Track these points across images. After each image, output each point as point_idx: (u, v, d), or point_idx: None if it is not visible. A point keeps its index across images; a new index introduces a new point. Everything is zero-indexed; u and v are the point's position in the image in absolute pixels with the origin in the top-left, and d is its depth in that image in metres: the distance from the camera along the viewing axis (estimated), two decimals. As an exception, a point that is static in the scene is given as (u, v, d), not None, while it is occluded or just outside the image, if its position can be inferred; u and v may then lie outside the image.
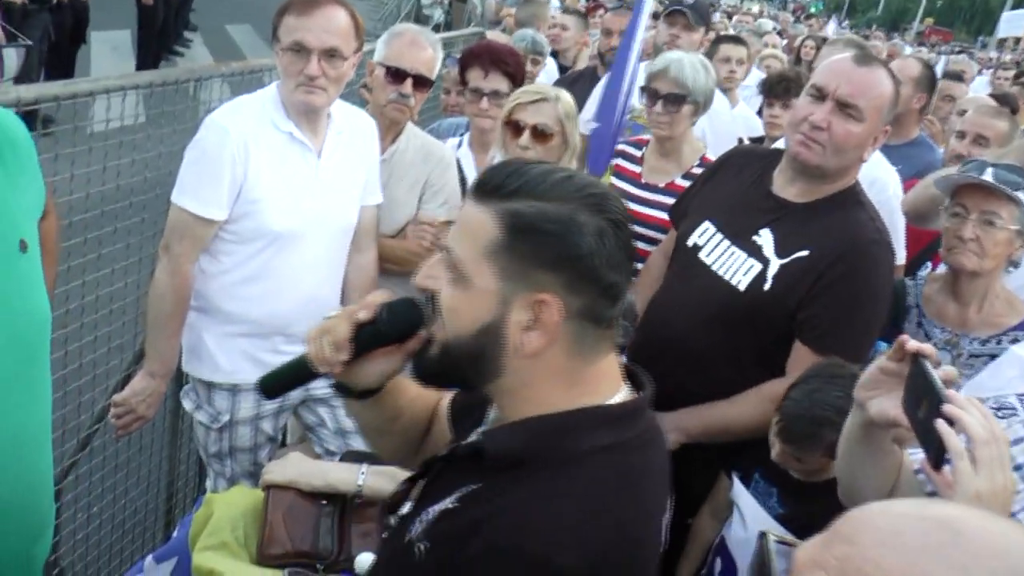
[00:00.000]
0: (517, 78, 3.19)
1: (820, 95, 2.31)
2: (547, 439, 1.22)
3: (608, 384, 1.29)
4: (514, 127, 2.87)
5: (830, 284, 2.28)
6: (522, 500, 1.17)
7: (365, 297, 2.61)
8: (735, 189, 2.54)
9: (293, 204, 2.54)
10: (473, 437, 1.34)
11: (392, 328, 1.35)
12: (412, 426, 1.57)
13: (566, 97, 2.90)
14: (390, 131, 2.98)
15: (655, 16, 4.45)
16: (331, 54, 2.43)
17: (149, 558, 2.23)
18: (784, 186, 2.44)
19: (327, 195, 2.61)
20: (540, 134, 2.83)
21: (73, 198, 2.70)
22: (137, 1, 10.61)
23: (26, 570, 1.64)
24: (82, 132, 2.85)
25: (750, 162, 2.60)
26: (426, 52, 2.89)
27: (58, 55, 8.82)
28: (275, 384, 1.48)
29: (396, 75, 2.85)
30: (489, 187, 1.21)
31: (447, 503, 1.24)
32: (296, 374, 1.45)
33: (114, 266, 3.02)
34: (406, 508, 1.35)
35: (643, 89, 3.13)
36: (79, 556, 3.22)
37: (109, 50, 10.75)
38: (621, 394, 1.29)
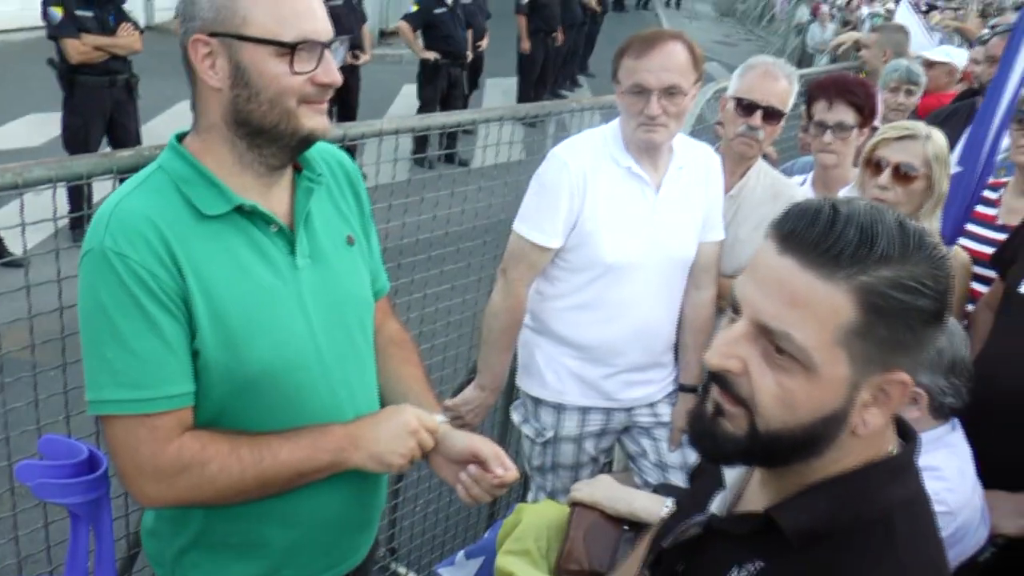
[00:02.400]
0: (865, 110, 2.97)
1: None
2: (850, 504, 1.08)
3: (889, 432, 1.15)
4: (875, 165, 2.65)
5: None
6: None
7: (702, 335, 2.69)
8: None
9: (628, 237, 2.56)
10: (715, 505, 1.24)
11: None
12: None
13: (938, 136, 2.60)
14: (739, 166, 2.90)
15: None
16: (670, 92, 2.42)
17: (461, 553, 2.37)
18: None
19: (663, 229, 2.60)
20: (903, 175, 2.54)
21: (421, 218, 2.95)
22: (518, 50, 11.54)
23: (364, 516, 1.86)
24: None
25: None
26: (779, 83, 2.78)
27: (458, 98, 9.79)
28: None
29: (746, 107, 2.78)
30: (833, 255, 0.99)
31: None
32: None
33: (454, 283, 3.26)
34: None
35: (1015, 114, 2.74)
36: (411, 540, 3.52)
37: (500, 93, 11.77)
38: (894, 441, 1.15)
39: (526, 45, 11.39)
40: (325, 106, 1.58)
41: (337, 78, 1.55)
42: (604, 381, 2.70)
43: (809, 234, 1.00)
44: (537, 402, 2.79)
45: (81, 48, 6.09)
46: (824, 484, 1.09)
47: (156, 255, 1.47)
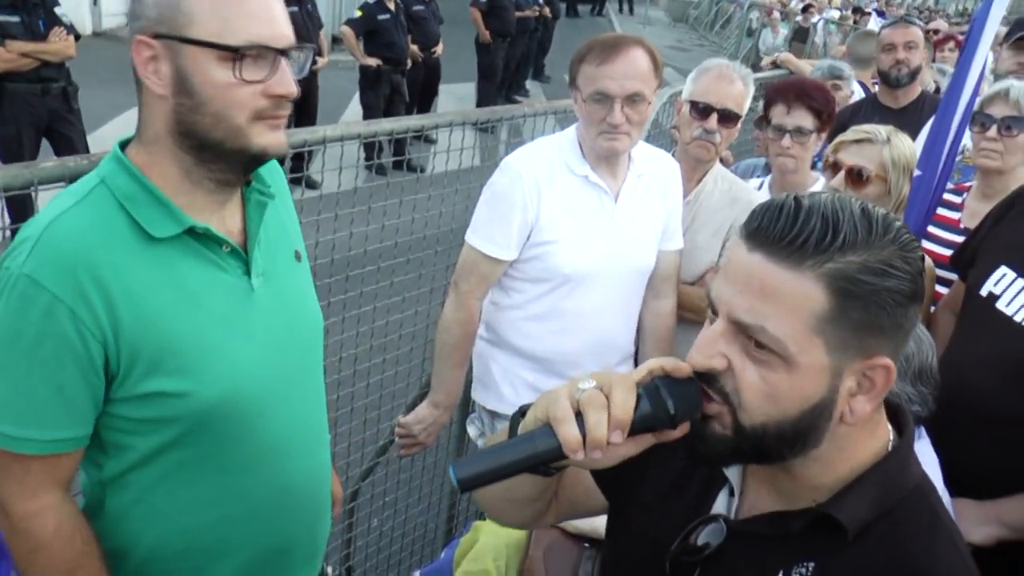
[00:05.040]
0: (823, 115, 2.93)
1: None
2: (891, 489, 1.12)
3: (884, 420, 1.17)
4: (834, 167, 2.63)
5: None
6: (914, 561, 1.08)
7: (663, 344, 2.64)
8: None
9: (585, 247, 2.50)
10: (720, 507, 1.21)
11: (682, 414, 1.08)
12: (551, 492, 1.40)
13: (899, 141, 2.58)
14: (696, 171, 2.86)
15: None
16: (633, 99, 2.36)
17: (417, 573, 2.32)
18: None
19: (622, 238, 2.55)
20: (856, 177, 2.54)
21: (370, 228, 2.87)
22: (477, 54, 11.49)
23: (311, 546, 1.79)
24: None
25: None
26: (734, 86, 2.75)
27: (411, 106, 9.73)
28: (490, 476, 1.08)
29: (701, 111, 2.74)
30: (798, 245, 1.00)
31: None
32: (527, 462, 1.07)
33: (405, 295, 3.19)
34: None
35: (974, 117, 2.74)
36: (366, 559, 3.44)
37: (455, 100, 11.73)
38: (889, 429, 1.17)
39: (485, 35, 11.38)
40: (283, 121, 1.45)
41: (292, 89, 1.41)
42: None
43: (774, 228, 1.02)
44: (494, 415, 2.72)
45: (6, 56, 5.76)
46: (864, 476, 1.11)
47: (79, 290, 1.34)
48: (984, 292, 2.21)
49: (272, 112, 1.41)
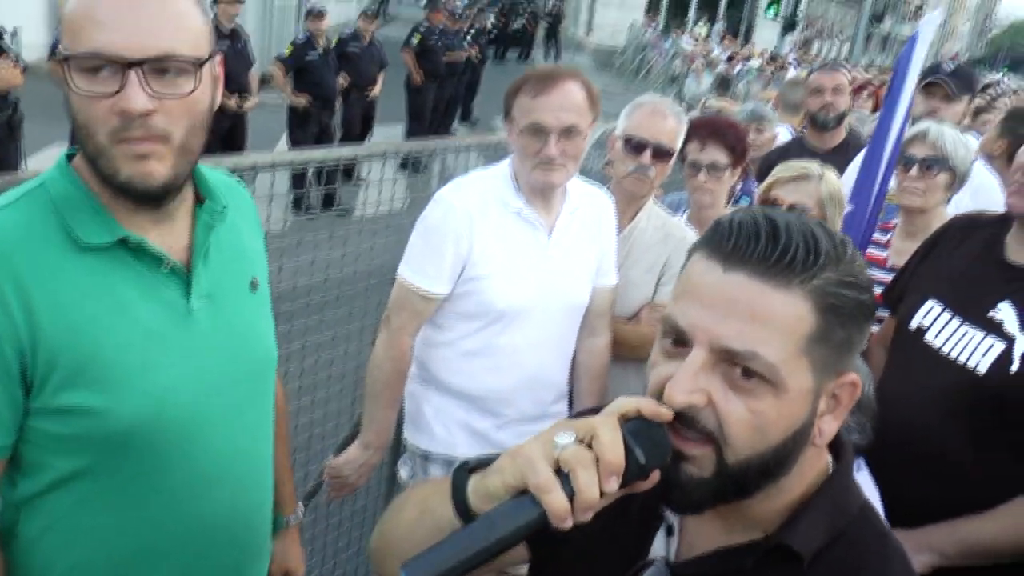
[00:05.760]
0: (737, 149, 3.02)
1: None
2: (840, 511, 1.07)
3: None
4: (770, 205, 2.66)
5: None
6: None
7: (597, 382, 2.61)
8: (959, 261, 2.26)
9: (519, 282, 2.46)
10: (659, 549, 1.13)
11: (652, 463, 0.97)
12: None
13: (831, 176, 2.65)
14: (630, 207, 2.86)
15: None
16: (569, 132, 2.34)
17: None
18: (1020, 251, 2.14)
19: (556, 273, 2.51)
20: None
21: (299, 262, 2.81)
22: (407, 95, 11.52)
23: None
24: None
25: (974, 231, 2.31)
26: (667, 122, 2.76)
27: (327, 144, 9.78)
28: (458, 571, 0.89)
29: (635, 146, 2.74)
30: (785, 263, 0.95)
31: None
32: (500, 544, 0.91)
33: (335, 332, 3.11)
34: None
35: (898, 158, 2.85)
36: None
37: (382, 139, 11.70)
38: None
39: (418, 78, 11.46)
40: (149, 149, 1.31)
41: (133, 106, 1.26)
42: (495, 432, 2.58)
43: (755, 247, 0.95)
44: (426, 457, 2.63)
45: None
46: (813, 500, 1.06)
47: None
48: (913, 326, 2.24)
49: (125, 133, 1.28)
